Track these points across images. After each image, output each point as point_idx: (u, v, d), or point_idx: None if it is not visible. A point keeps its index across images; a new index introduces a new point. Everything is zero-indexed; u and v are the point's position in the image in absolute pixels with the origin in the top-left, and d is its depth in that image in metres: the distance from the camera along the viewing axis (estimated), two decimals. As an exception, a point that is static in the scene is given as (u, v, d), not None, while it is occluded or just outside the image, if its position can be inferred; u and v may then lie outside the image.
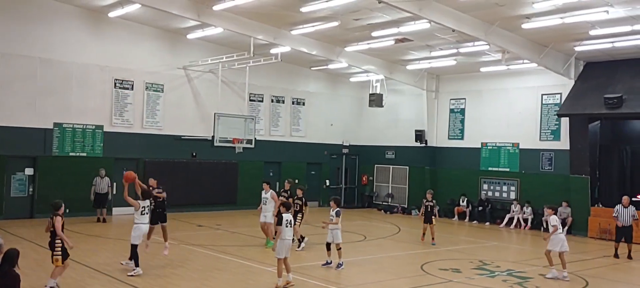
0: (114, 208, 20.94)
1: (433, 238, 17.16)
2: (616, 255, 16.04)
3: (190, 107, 23.18)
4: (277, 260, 10.97)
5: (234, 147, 21.49)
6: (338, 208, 12.82)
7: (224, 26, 19.10)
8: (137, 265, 11.78)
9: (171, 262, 13.07)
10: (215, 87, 22.31)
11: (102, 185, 19.48)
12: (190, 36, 21.91)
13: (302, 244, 15.10)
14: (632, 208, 16.13)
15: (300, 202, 14.97)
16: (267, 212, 15.22)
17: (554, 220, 13.17)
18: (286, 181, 16.45)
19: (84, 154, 20.56)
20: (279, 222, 11.17)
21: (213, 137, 20.86)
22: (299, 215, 14.79)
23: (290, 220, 11.18)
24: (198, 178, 23.19)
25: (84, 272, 11.81)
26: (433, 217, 17.05)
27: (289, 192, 15.68)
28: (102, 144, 20.94)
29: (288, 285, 11.06)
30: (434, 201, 17.25)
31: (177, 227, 18.72)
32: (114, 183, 20.61)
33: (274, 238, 13.53)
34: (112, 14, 19.90)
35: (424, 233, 17.40)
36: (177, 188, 22.51)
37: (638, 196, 20.16)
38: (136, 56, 21.67)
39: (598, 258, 16.11)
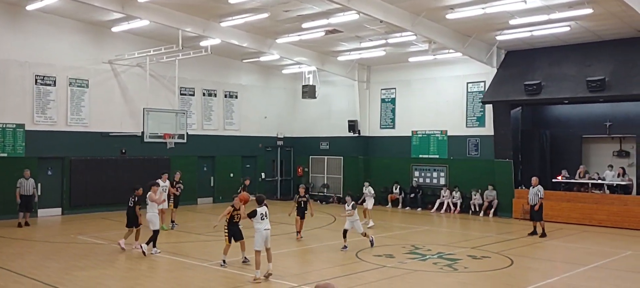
0: (39, 210, 20.08)
1: (299, 232, 16.13)
2: (533, 232, 17.02)
3: (117, 102, 22.47)
4: (255, 252, 10.97)
5: (166, 143, 21.08)
6: (353, 202, 14.74)
7: (150, 18, 18.62)
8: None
9: (102, 262, 12.69)
10: (144, 81, 21.75)
11: (27, 186, 18.40)
12: (115, 29, 21.21)
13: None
14: (538, 188, 16.98)
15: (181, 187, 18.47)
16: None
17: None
18: (177, 172, 19.15)
19: (5, 155, 19.54)
20: (252, 215, 11.19)
21: (143, 132, 20.36)
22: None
23: (265, 212, 11.30)
24: (128, 176, 22.45)
25: (8, 277, 11.27)
26: (306, 211, 16.00)
27: (181, 182, 18.57)
28: (24, 144, 19.96)
29: (268, 274, 11.12)
30: (307, 196, 16.35)
31: (108, 227, 18.22)
32: (39, 185, 19.76)
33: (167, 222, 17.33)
34: (30, 7, 18.97)
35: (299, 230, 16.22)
36: (107, 186, 21.90)
37: (558, 177, 21.37)
38: (58, 51, 20.77)
39: (522, 238, 16.95)
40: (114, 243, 15.14)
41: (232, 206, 12.33)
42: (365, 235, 14.89)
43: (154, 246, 13.53)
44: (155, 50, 20.81)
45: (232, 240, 12.28)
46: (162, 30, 20.40)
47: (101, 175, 21.83)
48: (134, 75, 22.69)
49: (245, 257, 12.50)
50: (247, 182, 19.47)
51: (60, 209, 20.99)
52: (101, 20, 20.67)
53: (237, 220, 12.37)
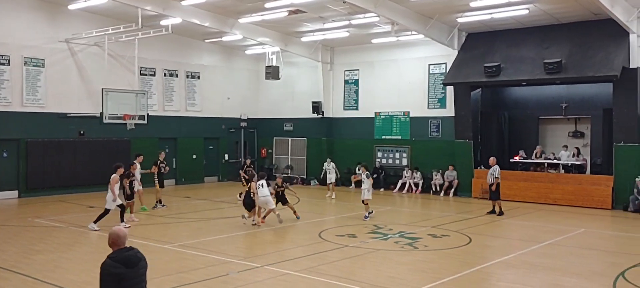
0: (-2, 193, 19.61)
1: (295, 213, 16.25)
2: (492, 211, 17.47)
3: (75, 82, 21.91)
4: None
5: (126, 124, 20.72)
6: (367, 172, 16.71)
7: (108, -4, 18.16)
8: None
9: (60, 246, 12.47)
10: (102, 61, 21.25)
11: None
12: (71, 7, 20.60)
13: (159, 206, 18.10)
14: (494, 168, 17.37)
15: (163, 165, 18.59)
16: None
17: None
18: (162, 151, 19.58)
19: (-44, 136, 18.90)
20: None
21: (102, 113, 19.95)
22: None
23: (263, 183, 14.92)
24: (87, 158, 22.10)
25: (-40, 262, 10.96)
26: (286, 199, 16.49)
27: (165, 162, 18.72)
28: (-24, 125, 19.35)
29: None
30: (285, 184, 16.94)
31: (66, 209, 17.87)
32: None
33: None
34: (-20, -17, 18.26)
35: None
36: (65, 168, 21.46)
37: (516, 157, 21.90)
38: (11, 29, 20.08)
39: (480, 216, 17.36)
40: (73, 226, 14.90)
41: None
42: (366, 203, 16.43)
43: (95, 221, 14.20)
44: (113, 29, 20.32)
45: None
46: (120, 9, 19.90)
47: (59, 157, 21.33)
48: (91, 55, 22.13)
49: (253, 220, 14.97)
50: (249, 162, 21.35)
51: (16, 192, 20.46)
52: (57, -2, 20.06)
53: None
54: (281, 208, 15.85)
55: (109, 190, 14.14)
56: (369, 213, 16.54)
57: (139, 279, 5.11)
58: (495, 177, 17.19)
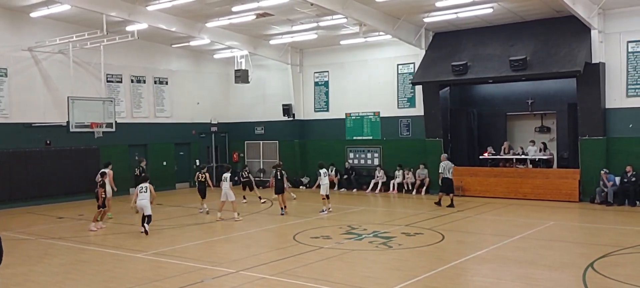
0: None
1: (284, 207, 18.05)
2: (450, 205, 18.54)
3: (40, 91, 21.42)
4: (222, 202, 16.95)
5: (93, 132, 20.36)
6: (325, 170, 18.23)
7: (71, 3, 17.76)
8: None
9: (29, 259, 12.18)
10: (67, 68, 20.84)
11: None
12: (34, 14, 20.13)
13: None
14: (442, 163, 18.90)
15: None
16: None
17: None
18: (142, 159, 19.89)
19: None
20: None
21: (68, 122, 19.56)
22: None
23: (226, 177, 17.02)
24: (55, 168, 21.63)
25: None
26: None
27: (145, 170, 19.15)
28: (-64, 138, 18.75)
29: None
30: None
31: (34, 221, 17.46)
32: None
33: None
34: (-63, -9, 17.72)
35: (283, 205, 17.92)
36: (32, 179, 20.97)
37: (485, 153, 22.25)
38: (-29, 38, 19.57)
39: (452, 213, 17.58)
40: (42, 237, 14.58)
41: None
42: (328, 197, 17.99)
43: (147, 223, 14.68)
44: (78, 36, 19.93)
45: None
46: (84, 15, 19.54)
47: (25, 168, 20.84)
48: (56, 63, 21.68)
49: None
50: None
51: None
52: (18, 5, 19.57)
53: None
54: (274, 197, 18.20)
55: (143, 198, 14.63)
56: (326, 209, 17.85)
57: None
58: (440, 172, 18.50)
